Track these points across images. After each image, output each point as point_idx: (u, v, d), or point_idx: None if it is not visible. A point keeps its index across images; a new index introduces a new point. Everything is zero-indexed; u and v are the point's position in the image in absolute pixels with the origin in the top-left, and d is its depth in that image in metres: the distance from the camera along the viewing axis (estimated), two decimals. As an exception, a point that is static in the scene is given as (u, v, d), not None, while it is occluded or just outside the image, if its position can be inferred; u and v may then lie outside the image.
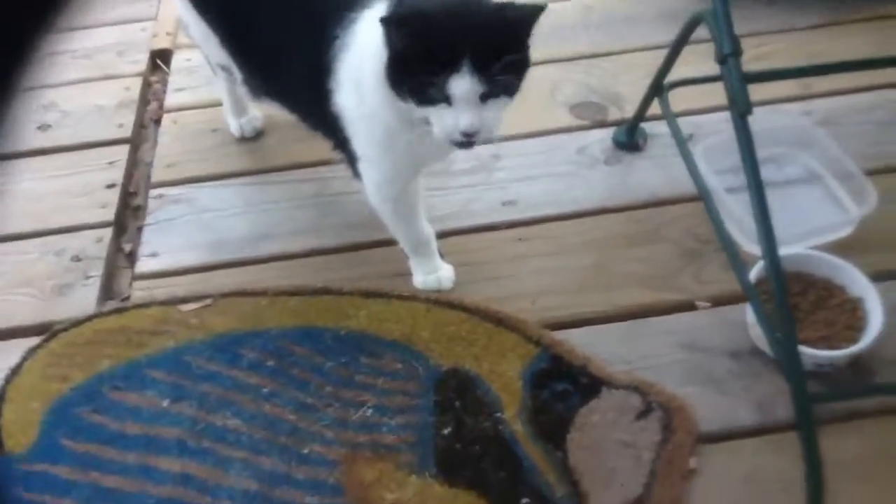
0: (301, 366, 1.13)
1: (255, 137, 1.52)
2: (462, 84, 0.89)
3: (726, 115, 1.46)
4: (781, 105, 1.47)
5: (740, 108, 0.94)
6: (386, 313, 1.18)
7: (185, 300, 1.23)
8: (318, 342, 1.16)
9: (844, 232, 1.22)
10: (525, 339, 1.14)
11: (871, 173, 1.31)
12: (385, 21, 0.90)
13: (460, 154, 1.12)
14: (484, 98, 0.91)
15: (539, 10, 0.90)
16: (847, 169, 1.28)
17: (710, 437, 1.04)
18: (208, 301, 1.22)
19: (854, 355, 1.05)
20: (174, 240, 1.35)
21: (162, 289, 1.26)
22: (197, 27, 1.29)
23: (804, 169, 1.35)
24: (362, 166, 1.12)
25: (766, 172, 1.32)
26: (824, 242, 1.22)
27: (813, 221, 1.26)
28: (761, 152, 1.36)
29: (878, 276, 1.17)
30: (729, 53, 0.96)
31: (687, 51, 1.25)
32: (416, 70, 0.90)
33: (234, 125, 1.51)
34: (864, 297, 1.11)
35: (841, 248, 1.21)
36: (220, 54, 1.29)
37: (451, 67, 0.88)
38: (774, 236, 0.90)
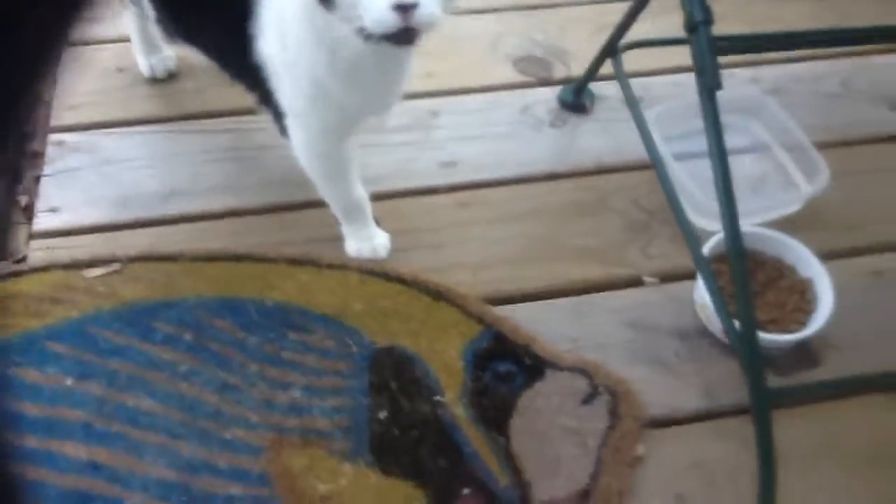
0: (222, 341, 1.03)
1: (167, 79, 1.37)
2: None
3: (675, 77, 1.43)
4: (729, 70, 1.42)
5: (709, 82, 0.87)
6: (316, 284, 1.09)
7: (90, 264, 1.10)
8: (241, 315, 1.06)
9: (793, 208, 1.19)
10: (466, 315, 1.07)
11: (819, 147, 1.28)
12: None
13: (395, 109, 1.02)
14: None
15: None
16: (796, 140, 1.25)
17: (656, 422, 1.00)
18: (116, 266, 1.10)
19: (802, 340, 1.02)
20: (76, 194, 1.20)
21: (63, 249, 1.13)
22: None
23: (753, 138, 1.31)
24: (290, 121, 1.01)
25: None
26: (773, 218, 1.19)
27: (763, 195, 1.23)
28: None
29: (826, 256, 1.15)
30: (700, 21, 0.88)
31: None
32: None
33: (144, 64, 1.36)
34: (814, 279, 1.08)
35: (789, 224, 1.18)
36: (130, -16, 1.14)
37: None
38: (737, 216, 0.84)
